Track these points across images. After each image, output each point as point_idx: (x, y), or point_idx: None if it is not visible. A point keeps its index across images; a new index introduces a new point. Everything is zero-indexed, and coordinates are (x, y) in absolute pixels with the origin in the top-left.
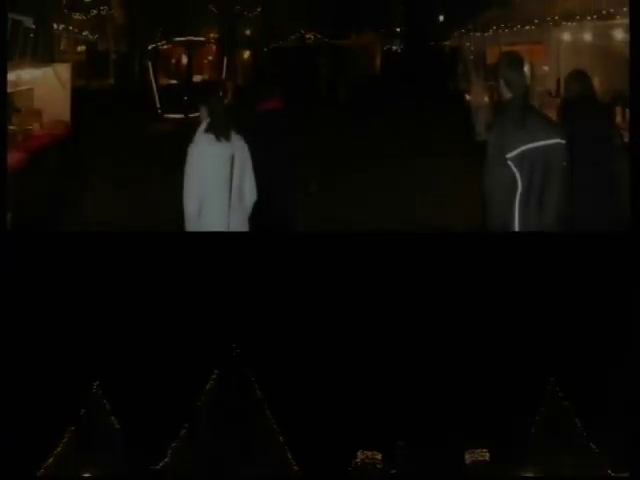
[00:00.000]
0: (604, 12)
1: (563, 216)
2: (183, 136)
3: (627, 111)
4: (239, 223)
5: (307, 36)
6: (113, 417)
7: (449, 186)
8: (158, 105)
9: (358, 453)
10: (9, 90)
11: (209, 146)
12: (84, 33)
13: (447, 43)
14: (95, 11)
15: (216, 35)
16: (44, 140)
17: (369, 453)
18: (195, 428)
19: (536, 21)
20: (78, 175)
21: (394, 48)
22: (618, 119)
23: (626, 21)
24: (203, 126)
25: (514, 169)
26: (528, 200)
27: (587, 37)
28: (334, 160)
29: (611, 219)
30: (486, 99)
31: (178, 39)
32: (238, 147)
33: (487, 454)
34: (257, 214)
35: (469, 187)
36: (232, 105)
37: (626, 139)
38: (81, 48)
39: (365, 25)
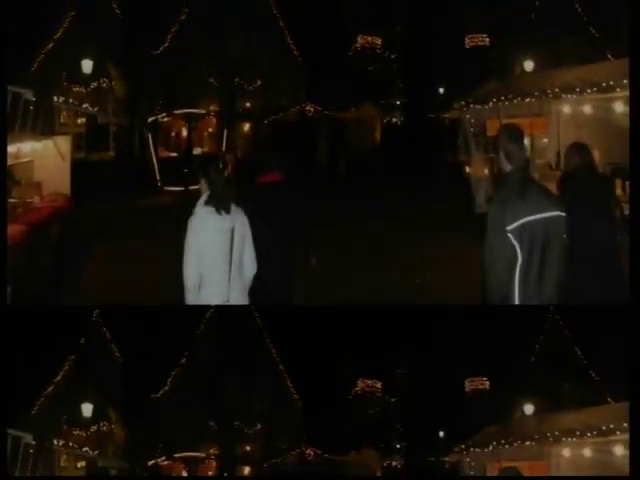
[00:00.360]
0: (604, 85)
1: (563, 288)
2: (183, 209)
3: (627, 184)
4: (239, 296)
5: (307, 109)
6: (113, 345)
7: (449, 259)
8: (158, 177)
9: (358, 382)
10: (9, 162)
11: (209, 219)
12: (84, 105)
13: (447, 115)
14: (95, 84)
15: (216, 107)
16: (44, 213)
17: (369, 381)
18: (195, 357)
19: (536, 94)
20: (78, 248)
21: (394, 120)
22: (618, 191)
23: (626, 93)
24: (203, 198)
25: (514, 241)
26: (528, 272)
27: (587, 110)
28: (334, 233)
29: (611, 291)
30: (486, 171)
31: (178, 111)
32: (238, 220)
33: (487, 382)
34: (257, 287)
35: (469, 259)
36: (232, 177)
37: (626, 211)
38: (81, 120)
39: (365, 98)
